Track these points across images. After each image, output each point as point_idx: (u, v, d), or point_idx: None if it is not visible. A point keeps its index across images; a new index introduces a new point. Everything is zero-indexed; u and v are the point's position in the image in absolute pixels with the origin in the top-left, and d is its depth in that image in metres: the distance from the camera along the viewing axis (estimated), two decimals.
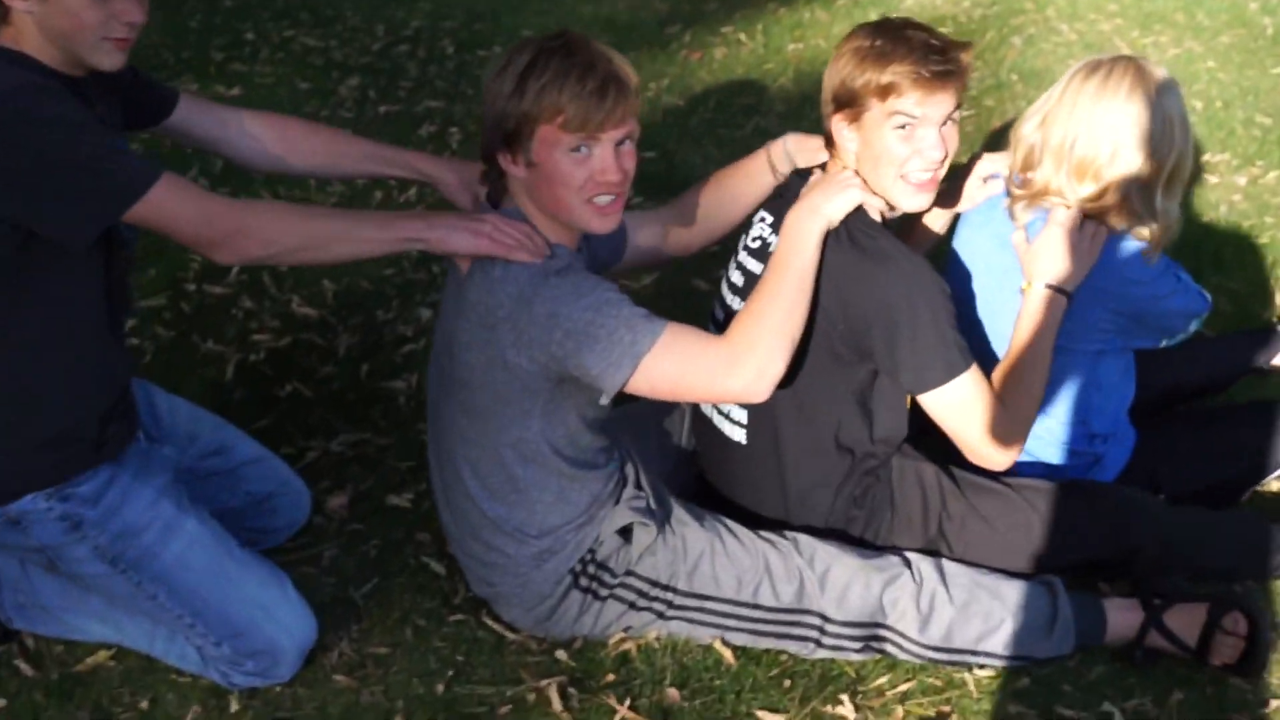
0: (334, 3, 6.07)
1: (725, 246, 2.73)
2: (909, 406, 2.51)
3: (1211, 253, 3.95)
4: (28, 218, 2.07)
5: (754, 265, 2.46)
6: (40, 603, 2.46)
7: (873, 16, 6.12)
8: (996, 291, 2.65)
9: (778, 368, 2.20)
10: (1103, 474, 2.75)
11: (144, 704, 2.37)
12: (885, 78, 2.26)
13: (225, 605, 2.33)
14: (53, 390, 2.23)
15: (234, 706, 2.36)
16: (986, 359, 2.51)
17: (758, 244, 2.47)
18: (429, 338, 3.43)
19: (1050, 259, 2.45)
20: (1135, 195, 2.47)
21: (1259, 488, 2.85)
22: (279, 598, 2.38)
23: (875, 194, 2.37)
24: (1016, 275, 2.53)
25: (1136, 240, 2.51)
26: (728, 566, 2.42)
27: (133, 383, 2.43)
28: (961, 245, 2.76)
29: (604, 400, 2.23)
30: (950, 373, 2.32)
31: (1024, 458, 2.64)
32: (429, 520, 2.78)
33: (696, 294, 3.70)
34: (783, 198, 2.49)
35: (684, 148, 4.77)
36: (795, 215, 2.31)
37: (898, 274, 2.33)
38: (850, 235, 2.35)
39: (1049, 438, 2.70)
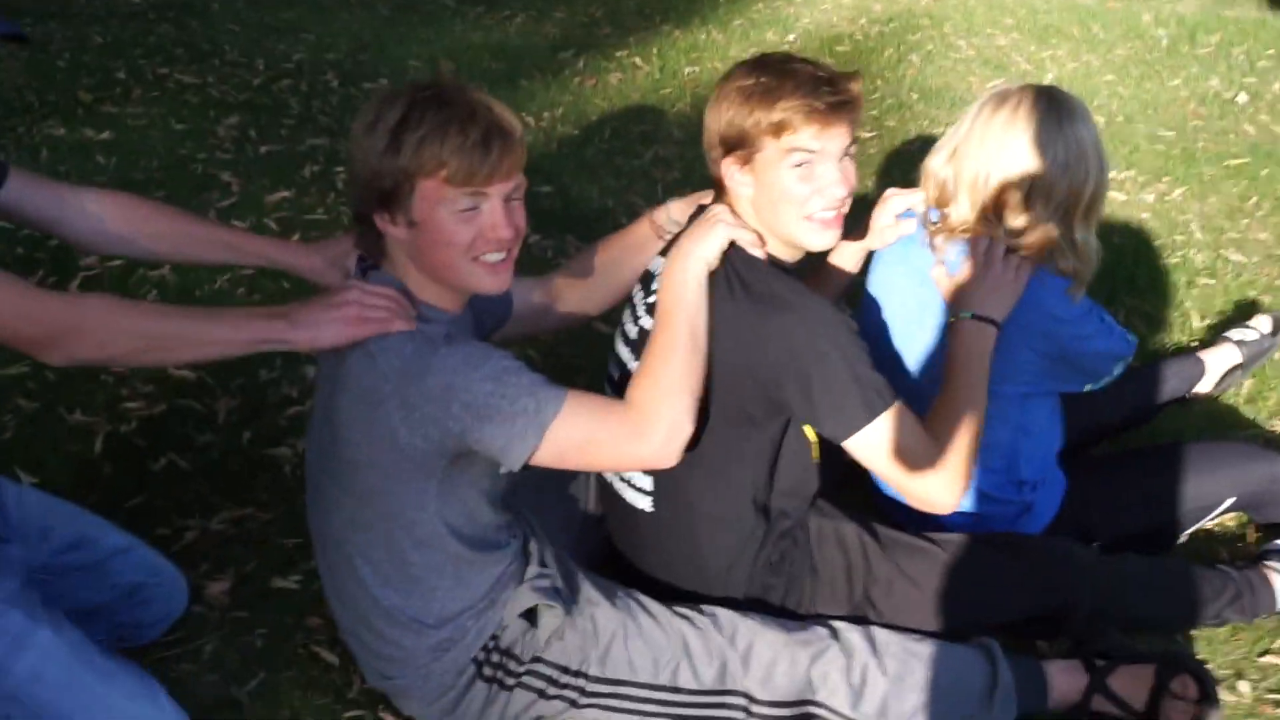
0: (211, 37, 5.85)
1: None
2: (817, 458, 2.38)
3: (1125, 276, 3.89)
4: None
5: (649, 322, 2.31)
6: None
7: (770, 37, 6.14)
8: (918, 328, 2.55)
9: (686, 428, 2.07)
10: (1033, 522, 2.65)
11: None
12: (776, 115, 2.13)
13: (91, 714, 2.10)
14: None
15: None
16: (915, 403, 2.36)
17: (654, 299, 2.31)
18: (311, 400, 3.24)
19: (976, 289, 2.36)
20: (1055, 228, 2.39)
21: (1196, 528, 2.76)
22: (149, 711, 2.16)
23: (775, 235, 2.26)
24: (938, 310, 2.46)
25: (1059, 275, 2.41)
26: (642, 648, 2.25)
27: None
28: (878, 283, 2.65)
29: (505, 472, 2.06)
30: (871, 412, 2.17)
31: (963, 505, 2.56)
32: (318, 603, 2.58)
33: (600, 337, 3.53)
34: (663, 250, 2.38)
35: (580, 180, 4.62)
36: (671, 263, 2.20)
37: (799, 318, 2.18)
38: (743, 283, 2.21)
39: (975, 487, 2.58)
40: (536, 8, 6.60)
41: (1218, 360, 3.29)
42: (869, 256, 2.68)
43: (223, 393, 3.26)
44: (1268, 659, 2.51)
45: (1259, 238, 4.20)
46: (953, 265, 2.42)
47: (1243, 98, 5.46)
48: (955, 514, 2.51)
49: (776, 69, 2.17)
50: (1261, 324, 3.38)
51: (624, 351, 2.39)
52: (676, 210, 2.48)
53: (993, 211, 2.39)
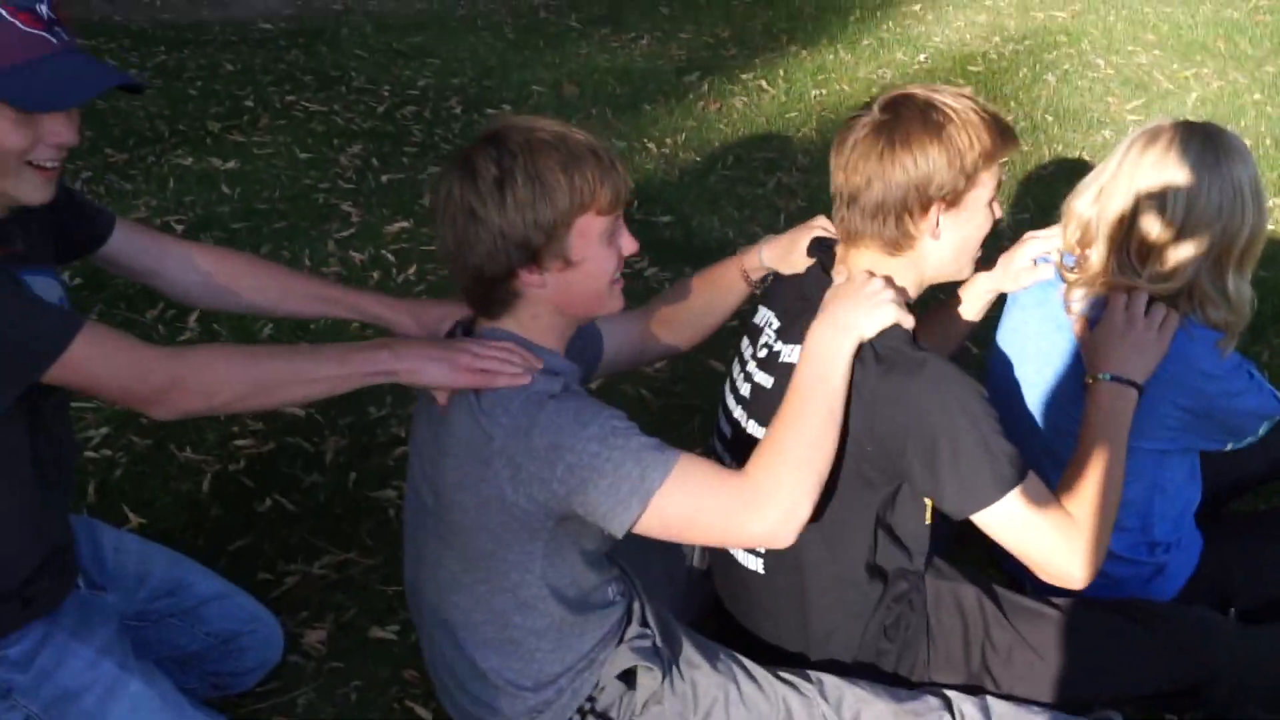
0: (339, 63, 5.91)
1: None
2: (930, 519, 2.24)
3: (1272, 313, 3.68)
4: None
5: (762, 378, 2.20)
6: None
7: (900, 57, 6.01)
8: (1054, 380, 2.42)
9: (805, 510, 1.93)
10: (1166, 585, 2.50)
11: None
12: (988, 144, 2.06)
13: None
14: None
15: None
16: (1044, 457, 2.27)
17: (765, 352, 2.21)
18: None
19: (1117, 348, 2.20)
20: (1205, 277, 2.23)
21: None
22: None
23: (926, 283, 2.17)
24: (1076, 362, 2.32)
25: (1209, 328, 2.25)
26: (744, 716, 2.15)
27: (75, 524, 2.19)
28: (1011, 332, 2.53)
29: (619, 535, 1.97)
30: (1001, 487, 2.01)
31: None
32: (415, 656, 2.53)
33: (714, 375, 3.45)
34: (789, 298, 2.25)
35: (701, 210, 4.56)
36: (820, 332, 2.04)
37: (929, 384, 2.03)
38: (871, 343, 2.08)
39: (1126, 544, 2.45)
40: (663, 29, 6.55)
41: None
42: (998, 304, 2.57)
43: (331, 431, 3.24)
44: None
45: None
46: (1092, 319, 2.29)
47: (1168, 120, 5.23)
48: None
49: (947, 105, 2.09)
50: None
51: (735, 409, 2.29)
52: (769, 255, 2.38)
53: (1137, 258, 2.25)
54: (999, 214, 2.18)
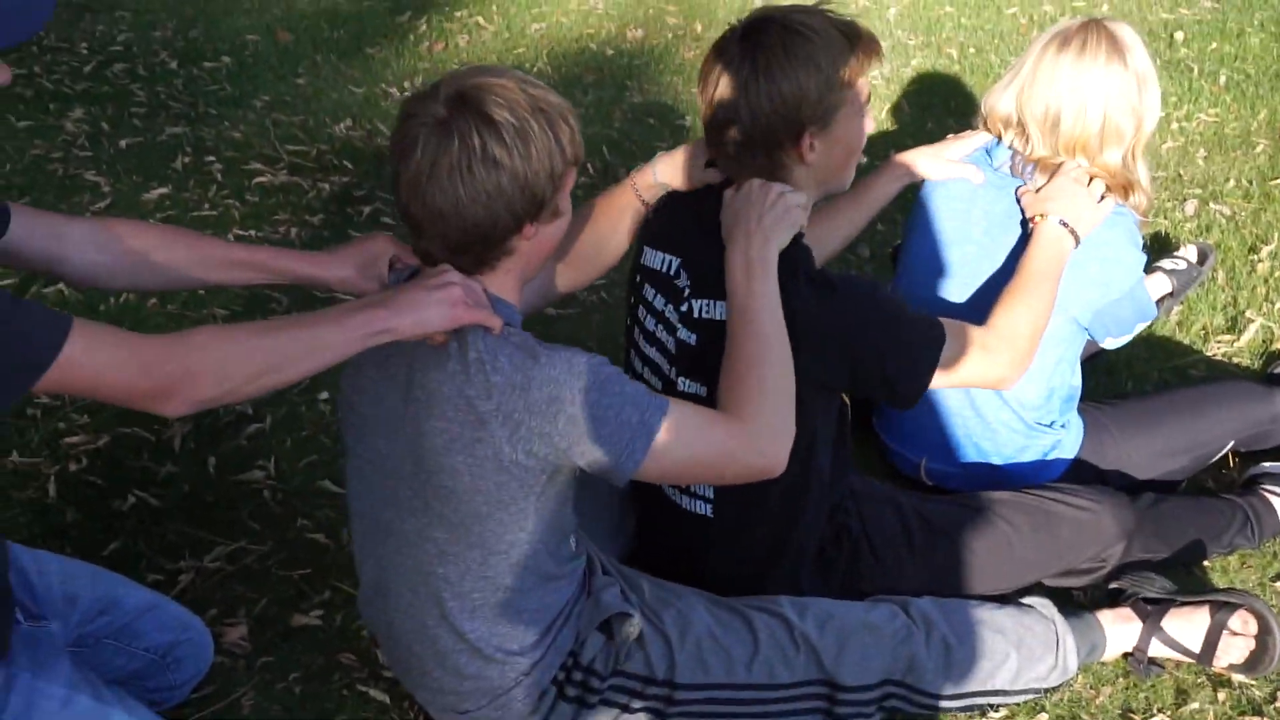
0: None
1: None
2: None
3: None
4: None
5: (685, 334, 2.23)
6: None
7: None
8: (987, 266, 2.58)
9: (792, 433, 2.01)
10: (1061, 460, 2.69)
11: None
12: (856, 61, 2.13)
13: None
14: None
15: None
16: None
17: (685, 307, 2.23)
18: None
19: (1066, 200, 2.40)
20: (1128, 165, 2.47)
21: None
22: None
23: (822, 192, 2.27)
24: (1004, 254, 2.52)
25: (1132, 213, 2.49)
26: (730, 646, 2.19)
27: None
28: (941, 219, 2.64)
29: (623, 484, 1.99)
30: (936, 351, 2.19)
31: (988, 447, 2.65)
32: (348, 638, 2.46)
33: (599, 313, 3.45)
34: (689, 238, 2.26)
35: None
36: (744, 258, 2.07)
37: (853, 296, 2.17)
38: (788, 263, 2.12)
39: (1026, 409, 2.61)
40: None
41: (1150, 289, 3.38)
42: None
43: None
44: None
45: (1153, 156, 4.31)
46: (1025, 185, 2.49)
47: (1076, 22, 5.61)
48: (991, 444, 2.65)
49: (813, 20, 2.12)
50: (1189, 254, 3.49)
51: (662, 364, 2.30)
52: (664, 171, 2.37)
53: (1067, 152, 2.45)
54: (872, 126, 2.27)
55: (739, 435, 1.96)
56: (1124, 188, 2.45)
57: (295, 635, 2.48)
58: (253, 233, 3.88)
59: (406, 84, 4.97)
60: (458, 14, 5.71)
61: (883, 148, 3.98)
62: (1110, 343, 2.62)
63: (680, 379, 2.25)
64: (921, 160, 2.65)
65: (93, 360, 1.64)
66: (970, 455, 2.67)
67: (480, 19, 5.66)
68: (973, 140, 2.62)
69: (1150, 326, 3.39)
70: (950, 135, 2.70)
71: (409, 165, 1.85)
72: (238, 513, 2.78)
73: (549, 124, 1.86)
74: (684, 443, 1.92)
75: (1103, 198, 2.42)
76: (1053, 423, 2.64)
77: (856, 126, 2.20)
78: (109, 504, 2.80)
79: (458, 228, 1.87)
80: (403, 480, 2.01)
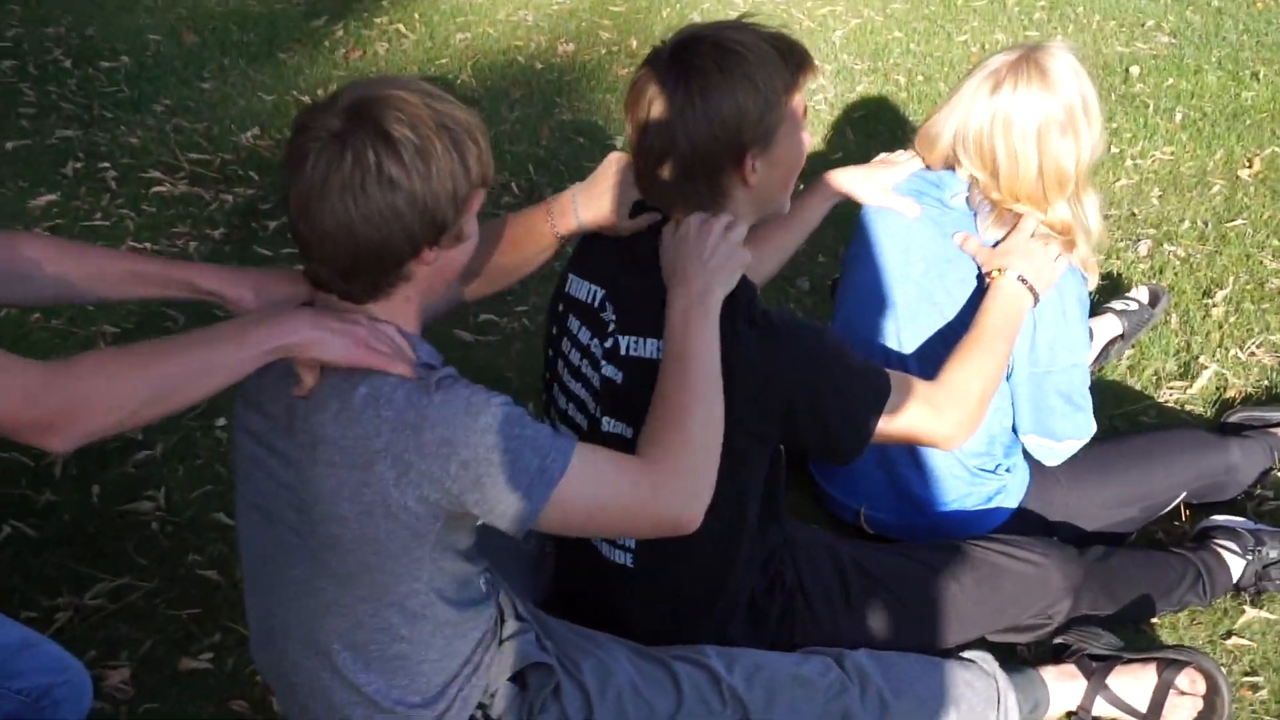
0: None
1: None
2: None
3: None
4: None
5: (611, 371, 2.20)
6: None
7: (536, 1, 6.02)
8: (941, 294, 2.55)
9: (711, 489, 1.96)
10: (1005, 507, 2.69)
11: None
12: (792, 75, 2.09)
13: None
14: None
15: None
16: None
17: (610, 343, 2.20)
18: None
19: (1026, 257, 2.40)
20: (1074, 215, 2.48)
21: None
22: None
23: (761, 216, 2.23)
24: (960, 278, 2.51)
25: (1082, 271, 2.50)
26: (653, 699, 2.16)
27: None
28: (883, 243, 2.62)
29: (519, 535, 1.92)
30: (881, 403, 2.16)
31: (929, 495, 2.65)
32: (242, 684, 2.40)
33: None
34: (616, 271, 2.24)
35: None
36: (686, 301, 2.04)
37: (791, 340, 2.13)
38: (730, 306, 2.10)
39: (970, 458, 2.62)
40: None
41: (1100, 330, 3.42)
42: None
43: None
44: (1233, 641, 2.60)
45: (1106, 194, 4.36)
46: (987, 237, 2.48)
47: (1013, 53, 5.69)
48: (934, 496, 2.65)
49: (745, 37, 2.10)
50: (1141, 295, 3.53)
51: (588, 401, 2.26)
52: (585, 210, 2.31)
53: (1015, 198, 2.46)
54: (811, 142, 2.24)
55: (653, 488, 1.91)
56: (1071, 243, 2.46)
57: (183, 680, 2.42)
58: (149, 245, 3.81)
59: (320, 92, 4.91)
60: (377, 20, 5.69)
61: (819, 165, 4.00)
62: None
63: (605, 418, 2.21)
64: (853, 180, 2.64)
65: None
66: (911, 503, 2.67)
67: (401, 26, 5.64)
68: (905, 166, 2.63)
69: (1101, 370, 3.44)
70: (883, 154, 2.70)
71: (299, 181, 1.79)
72: (123, 546, 2.72)
73: (454, 143, 1.81)
74: (589, 493, 1.87)
75: (1058, 256, 2.43)
76: (996, 467, 2.63)
77: (797, 144, 2.16)
78: None
79: (349, 251, 1.81)
80: (288, 527, 1.95)
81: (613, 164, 2.31)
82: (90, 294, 2.12)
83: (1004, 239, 2.44)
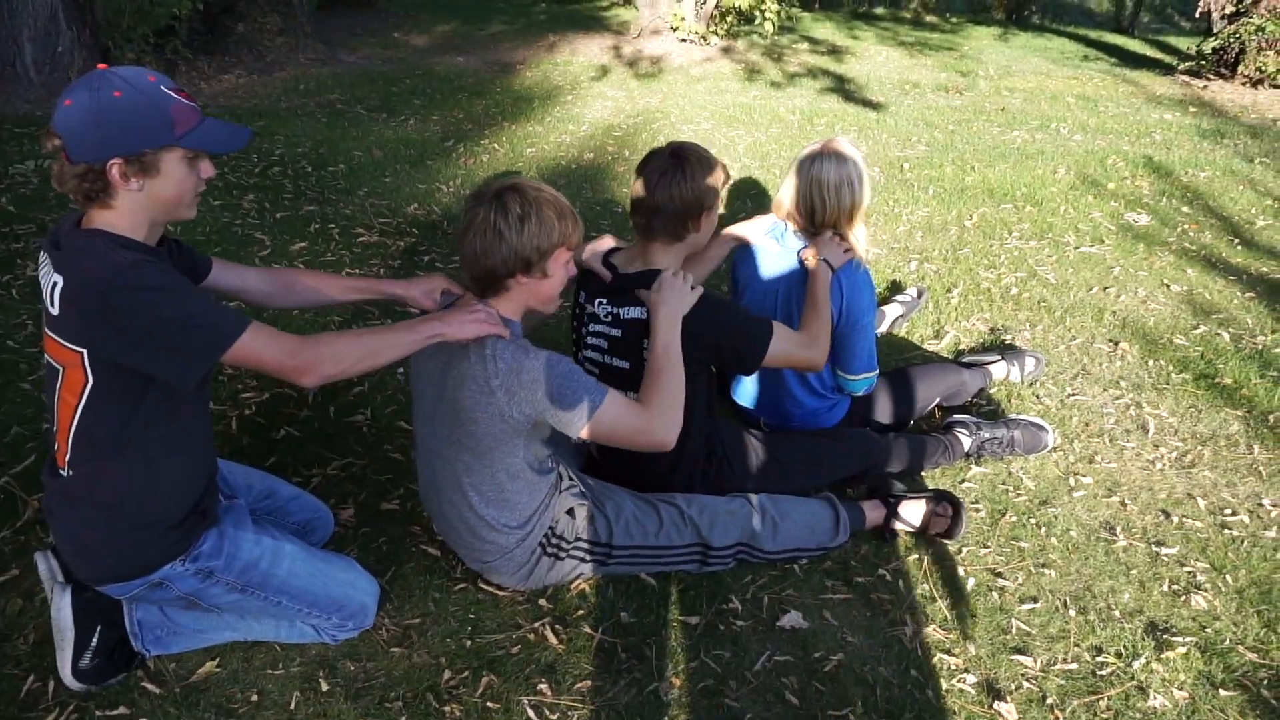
0: None
1: None
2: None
3: None
4: (146, 368, 1.57)
5: (613, 331, 2.18)
6: (178, 631, 1.93)
7: (570, 128, 5.94)
8: (791, 296, 2.49)
9: (679, 423, 1.93)
10: (838, 413, 2.65)
11: (254, 697, 1.87)
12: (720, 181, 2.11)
13: (329, 590, 1.93)
14: (181, 487, 1.74)
15: (324, 687, 1.90)
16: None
17: (610, 316, 2.18)
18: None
19: (824, 250, 2.38)
20: (853, 231, 2.44)
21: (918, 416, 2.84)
22: (356, 574, 2.01)
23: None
24: (799, 290, 2.46)
25: (867, 268, 2.46)
26: (645, 522, 2.16)
27: None
28: (763, 269, 2.55)
29: (575, 438, 1.90)
30: (768, 336, 2.13)
31: (804, 400, 2.58)
32: (415, 517, 2.37)
33: None
34: (599, 284, 2.21)
35: None
36: (665, 317, 2.02)
37: (716, 305, 2.12)
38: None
39: (818, 386, 2.57)
40: (420, 114, 6.17)
41: (890, 312, 3.40)
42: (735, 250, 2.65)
43: None
44: (965, 485, 2.60)
45: (883, 238, 4.34)
46: (806, 247, 2.44)
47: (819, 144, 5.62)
48: (799, 406, 2.59)
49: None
50: (912, 292, 3.51)
51: (597, 355, 2.23)
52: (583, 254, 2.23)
53: (824, 228, 2.42)
54: (720, 210, 2.23)
55: (647, 421, 1.89)
56: (853, 251, 2.42)
57: (384, 515, 2.39)
58: (356, 270, 3.75)
59: (451, 184, 4.85)
60: (482, 141, 5.60)
61: (723, 225, 3.95)
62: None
63: (613, 359, 2.20)
64: (741, 230, 2.60)
65: (258, 346, 1.58)
66: (789, 412, 2.64)
67: (496, 145, 5.55)
68: (764, 219, 2.58)
69: (891, 334, 3.41)
70: (756, 216, 2.65)
71: (463, 226, 1.82)
72: (347, 440, 2.68)
73: (541, 215, 1.79)
74: (614, 417, 1.85)
75: (846, 250, 2.40)
76: (835, 389, 2.61)
77: (718, 210, 2.18)
78: (268, 434, 2.69)
79: (476, 266, 1.83)
80: (444, 424, 1.94)
81: (606, 241, 2.31)
82: (327, 299, 2.11)
83: (810, 246, 2.41)
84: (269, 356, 1.60)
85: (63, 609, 1.82)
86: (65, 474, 1.68)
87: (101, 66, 1.56)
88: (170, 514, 1.72)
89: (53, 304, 1.57)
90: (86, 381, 1.59)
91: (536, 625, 2.05)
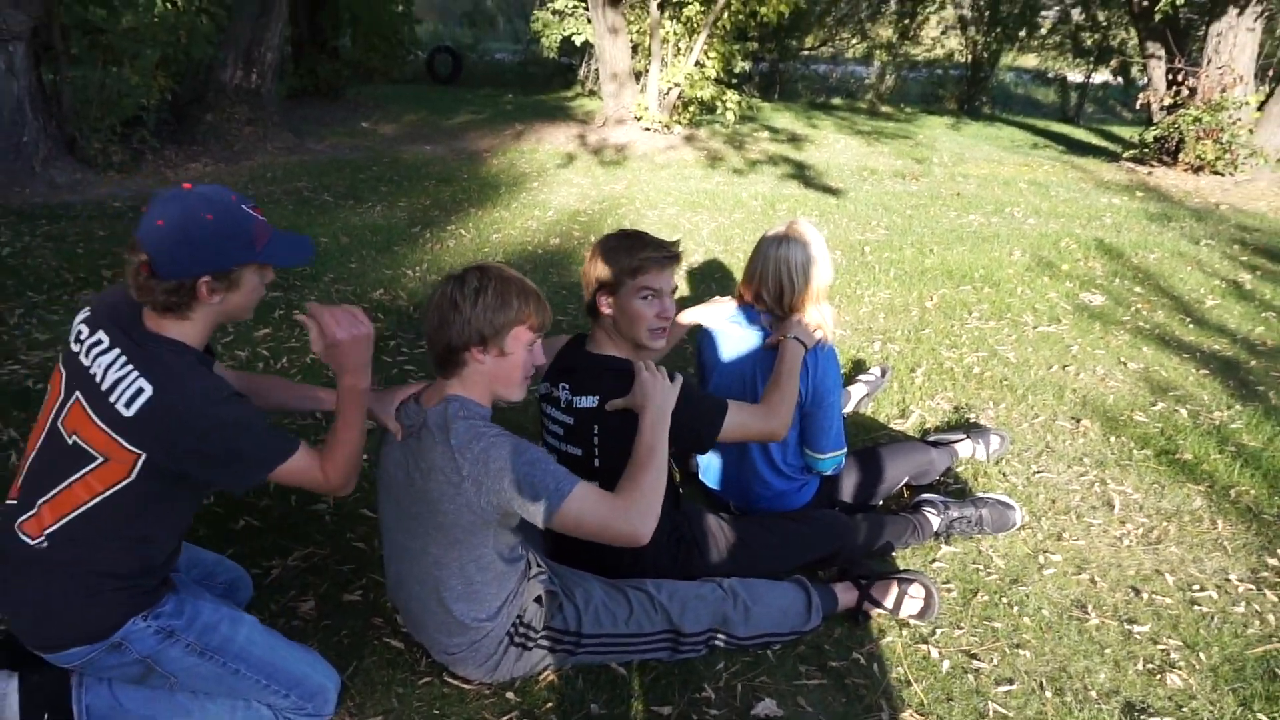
0: None
1: None
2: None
3: None
4: (207, 480, 1.72)
5: (566, 419, 2.20)
6: (127, 716, 1.86)
7: (536, 213, 6.05)
8: (752, 374, 2.51)
9: (656, 519, 1.89)
10: (807, 494, 2.64)
11: None
12: (634, 262, 2.11)
13: (288, 665, 1.88)
14: (158, 559, 1.77)
15: None
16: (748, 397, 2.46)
17: (565, 404, 2.20)
18: None
19: (795, 329, 2.40)
20: (819, 312, 2.46)
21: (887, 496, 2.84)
22: (316, 658, 1.96)
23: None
24: (756, 367, 2.48)
25: (832, 346, 2.48)
26: (616, 610, 2.12)
27: None
28: (724, 351, 2.57)
29: (542, 527, 1.87)
30: (721, 412, 2.16)
31: (772, 481, 2.57)
32: (379, 609, 2.30)
33: None
34: (571, 369, 2.22)
35: None
36: (652, 415, 2.03)
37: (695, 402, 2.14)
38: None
39: (785, 467, 2.57)
40: (386, 200, 6.26)
41: (854, 392, 3.43)
42: (697, 330, 2.67)
43: None
44: (936, 564, 2.59)
45: (847, 319, 4.41)
46: (775, 328, 2.47)
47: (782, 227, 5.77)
48: (767, 488, 2.58)
49: (631, 236, 2.17)
50: (876, 371, 3.55)
51: (557, 444, 2.24)
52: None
53: (779, 307, 2.45)
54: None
55: (619, 513, 1.85)
56: (820, 330, 2.45)
57: (345, 607, 2.32)
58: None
59: (417, 269, 4.88)
60: (449, 227, 5.67)
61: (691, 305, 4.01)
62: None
63: (567, 445, 2.21)
64: (703, 314, 2.62)
65: (299, 467, 1.75)
66: (758, 496, 2.62)
67: (462, 230, 5.62)
68: (727, 304, 2.60)
69: (856, 413, 3.44)
70: (716, 298, 2.68)
71: (426, 305, 1.88)
72: (309, 529, 2.62)
73: (500, 290, 1.82)
74: (578, 510, 1.81)
75: (815, 329, 2.43)
76: (803, 470, 2.61)
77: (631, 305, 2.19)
78: (227, 524, 2.62)
79: (436, 340, 1.86)
80: (412, 515, 1.92)
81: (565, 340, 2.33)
82: (283, 406, 2.13)
83: (781, 327, 2.44)
84: (308, 477, 1.77)
85: (8, 697, 1.75)
86: (36, 543, 1.67)
87: (186, 186, 1.65)
88: (143, 577, 1.73)
89: (126, 405, 1.61)
90: (126, 479, 1.64)
91: None
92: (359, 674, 2.10)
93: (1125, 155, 9.31)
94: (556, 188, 6.84)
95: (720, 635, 2.18)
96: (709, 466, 2.72)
